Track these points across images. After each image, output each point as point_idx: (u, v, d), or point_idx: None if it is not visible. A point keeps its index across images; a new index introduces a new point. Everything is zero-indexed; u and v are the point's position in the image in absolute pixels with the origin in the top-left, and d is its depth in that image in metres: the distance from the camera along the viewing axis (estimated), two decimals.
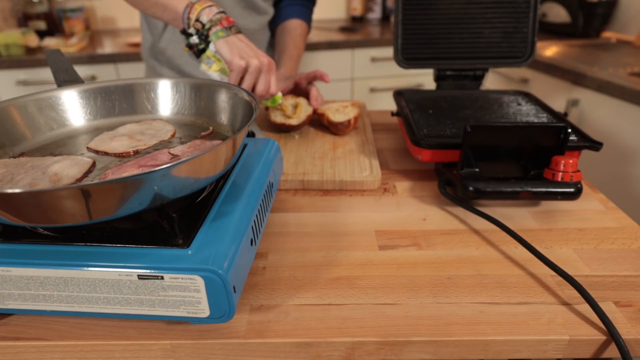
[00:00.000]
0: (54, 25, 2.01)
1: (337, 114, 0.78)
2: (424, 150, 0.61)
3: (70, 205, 0.32)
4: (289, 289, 0.44)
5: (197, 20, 0.69)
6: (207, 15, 0.68)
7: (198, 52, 0.71)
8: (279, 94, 0.77)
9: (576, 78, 1.31)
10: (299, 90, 0.89)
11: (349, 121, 0.76)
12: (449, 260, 0.48)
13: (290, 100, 0.82)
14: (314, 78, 0.86)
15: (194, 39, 0.70)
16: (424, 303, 0.42)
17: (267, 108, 0.82)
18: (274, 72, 0.72)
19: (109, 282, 0.35)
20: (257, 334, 0.39)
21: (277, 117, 0.79)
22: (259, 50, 0.71)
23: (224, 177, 0.48)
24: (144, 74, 1.12)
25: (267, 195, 0.49)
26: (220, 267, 0.34)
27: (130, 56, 1.73)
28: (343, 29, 2.04)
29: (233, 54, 0.68)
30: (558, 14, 1.79)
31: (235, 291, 0.36)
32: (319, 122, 0.83)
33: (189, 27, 0.70)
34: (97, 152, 0.48)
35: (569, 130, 0.55)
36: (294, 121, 0.78)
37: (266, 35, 1.08)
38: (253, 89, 0.72)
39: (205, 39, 0.69)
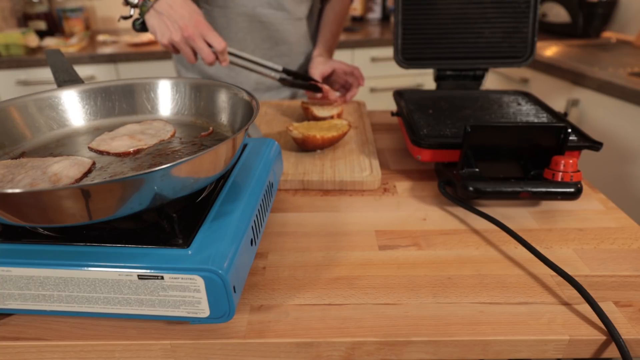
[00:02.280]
0: (54, 25, 2.01)
1: (322, 110, 0.81)
2: (424, 150, 0.61)
3: (70, 205, 0.32)
4: (289, 289, 0.44)
5: None
6: None
7: (139, 27, 0.72)
8: (342, 121, 0.73)
9: (576, 78, 1.31)
10: (334, 78, 0.96)
11: (332, 117, 0.79)
12: (449, 260, 0.48)
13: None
14: (351, 75, 0.93)
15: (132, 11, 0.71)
16: (424, 303, 0.42)
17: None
18: (208, 31, 0.71)
19: (109, 282, 0.35)
20: (257, 334, 0.39)
21: (296, 132, 0.69)
22: (185, 13, 0.69)
23: (224, 177, 0.48)
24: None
25: (267, 195, 0.49)
26: (220, 267, 0.34)
27: (130, 56, 1.73)
28: (343, 29, 2.04)
29: (156, 32, 0.69)
30: (558, 14, 1.79)
31: (235, 291, 0.36)
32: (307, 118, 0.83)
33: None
34: (98, 151, 0.48)
35: (569, 130, 0.55)
36: (323, 113, 0.76)
37: (299, 27, 1.03)
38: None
39: (140, 13, 0.71)
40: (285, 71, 0.84)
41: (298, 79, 0.86)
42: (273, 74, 0.81)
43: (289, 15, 0.97)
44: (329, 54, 1.04)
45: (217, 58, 0.74)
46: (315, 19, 1.07)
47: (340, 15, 1.07)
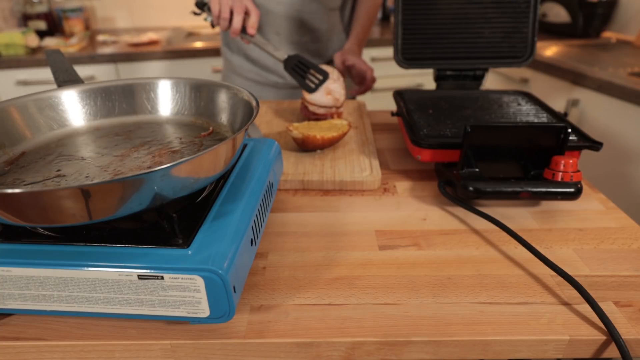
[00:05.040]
0: (54, 25, 2.01)
1: (319, 107, 0.82)
2: (424, 150, 0.61)
3: (70, 205, 0.32)
4: (289, 289, 0.44)
5: None
6: None
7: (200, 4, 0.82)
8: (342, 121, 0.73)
9: (576, 78, 1.31)
10: (353, 73, 1.02)
11: (331, 115, 0.79)
12: (449, 260, 0.48)
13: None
14: (363, 79, 1.01)
15: None
16: (424, 303, 0.42)
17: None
18: (252, 13, 0.79)
19: (109, 282, 0.35)
20: (257, 334, 0.39)
21: (296, 131, 0.69)
22: None
23: (224, 177, 0.48)
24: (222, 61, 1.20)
25: (267, 195, 0.49)
26: (220, 267, 0.34)
27: (130, 56, 1.73)
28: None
29: (213, 2, 0.80)
30: (558, 14, 1.79)
31: (235, 291, 0.36)
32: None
33: None
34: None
35: (569, 130, 0.55)
36: (320, 110, 0.77)
37: (326, 21, 1.07)
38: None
39: None
40: (291, 58, 0.82)
41: (303, 66, 0.83)
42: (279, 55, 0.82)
43: (322, 7, 1.03)
44: (359, 48, 1.10)
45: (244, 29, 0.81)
46: (348, 11, 1.14)
47: (372, 10, 1.12)
